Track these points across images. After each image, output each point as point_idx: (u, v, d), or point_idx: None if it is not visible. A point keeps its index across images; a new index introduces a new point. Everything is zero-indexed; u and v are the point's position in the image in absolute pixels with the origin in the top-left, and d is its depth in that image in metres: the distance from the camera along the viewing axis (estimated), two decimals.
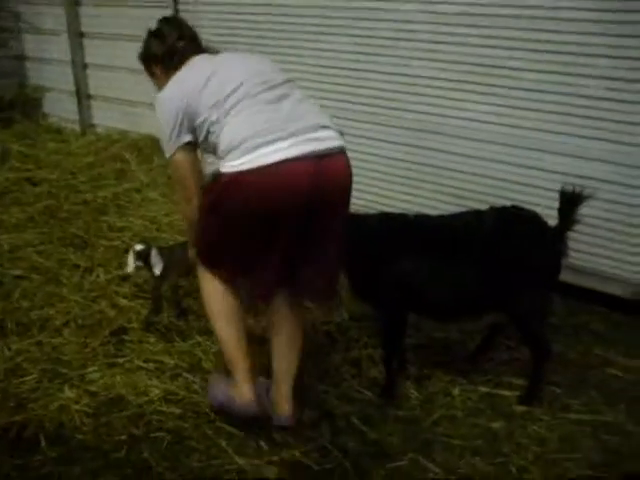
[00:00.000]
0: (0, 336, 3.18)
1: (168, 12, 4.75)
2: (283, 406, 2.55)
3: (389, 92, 3.88)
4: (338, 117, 3.75)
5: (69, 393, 2.79)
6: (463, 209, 2.95)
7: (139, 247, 3.16)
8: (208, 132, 2.42)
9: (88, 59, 6.09)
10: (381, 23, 3.79)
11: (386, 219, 2.87)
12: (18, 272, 3.74)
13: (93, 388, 2.83)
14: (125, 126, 5.79)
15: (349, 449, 2.49)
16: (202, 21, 4.49)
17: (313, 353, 3.02)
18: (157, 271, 3.15)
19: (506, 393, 2.79)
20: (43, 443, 2.53)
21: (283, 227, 2.33)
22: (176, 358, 3.03)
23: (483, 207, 2.80)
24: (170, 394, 2.80)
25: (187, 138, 2.47)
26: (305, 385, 2.80)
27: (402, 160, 3.91)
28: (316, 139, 2.33)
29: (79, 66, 6.11)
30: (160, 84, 2.66)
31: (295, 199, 2.29)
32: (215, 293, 2.52)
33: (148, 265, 3.15)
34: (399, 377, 2.85)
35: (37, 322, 3.30)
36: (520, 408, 2.70)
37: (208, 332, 3.15)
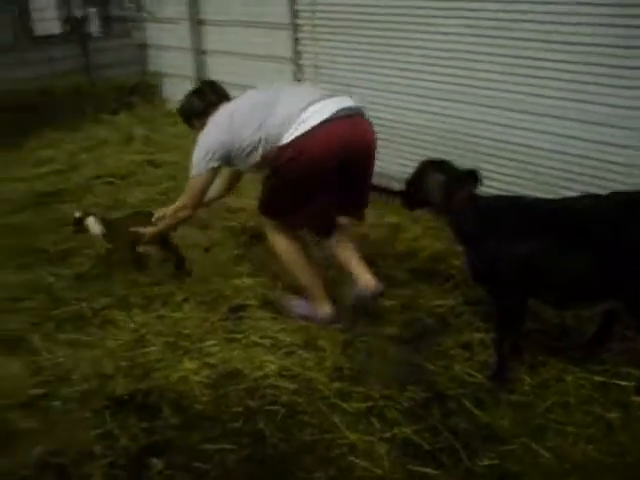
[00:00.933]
0: (126, 309, 3.38)
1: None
2: (365, 276, 3.16)
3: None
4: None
5: (189, 365, 2.93)
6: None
7: (77, 214, 3.65)
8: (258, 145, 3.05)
9: (207, 46, 6.27)
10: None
11: (505, 202, 2.85)
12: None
13: (212, 361, 2.96)
14: None
15: (459, 430, 2.50)
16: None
17: (425, 334, 3.06)
18: (98, 235, 3.64)
19: (623, 383, 2.71)
20: (165, 410, 2.68)
21: (332, 175, 3.00)
22: (291, 335, 3.11)
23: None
24: (285, 370, 2.89)
25: (216, 164, 3.17)
26: (415, 364, 2.84)
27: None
28: (342, 101, 3.04)
29: (198, 53, 6.31)
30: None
31: (337, 150, 2.96)
32: (286, 244, 3.17)
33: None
34: (512, 362, 2.82)
35: (159, 297, 3.48)
36: (638, 399, 2.62)
37: None
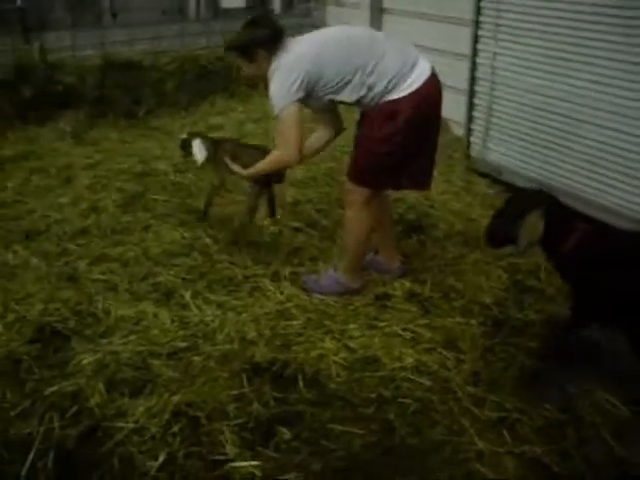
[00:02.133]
0: (276, 280, 3.48)
1: None
2: (396, 259, 3.52)
3: None
4: None
5: (329, 344, 2.99)
6: None
7: (183, 136, 3.61)
8: (360, 83, 2.96)
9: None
10: None
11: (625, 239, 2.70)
12: (296, 224, 4.03)
13: (352, 344, 3.00)
14: None
15: (593, 460, 2.41)
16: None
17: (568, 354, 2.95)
18: (199, 159, 3.52)
19: None
20: (300, 384, 2.76)
21: (433, 128, 3.15)
22: (433, 332, 3.10)
23: None
24: (422, 365, 2.88)
25: (300, 95, 2.98)
26: (552, 384, 2.76)
27: None
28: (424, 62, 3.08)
29: None
30: (262, 68, 3.12)
31: (438, 105, 3.12)
32: (367, 223, 3.20)
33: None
34: None
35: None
36: None
37: (467, 313, 3.21)
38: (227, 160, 3.48)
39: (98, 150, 5.34)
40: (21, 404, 2.70)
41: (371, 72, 2.96)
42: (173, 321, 3.16)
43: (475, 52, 4.83)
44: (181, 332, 3.08)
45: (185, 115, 6.17)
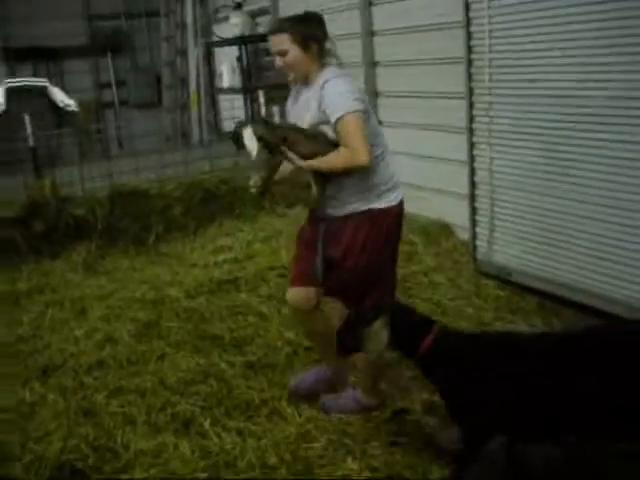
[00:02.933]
0: (293, 402, 3.46)
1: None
2: None
3: None
4: None
5: (352, 465, 2.94)
6: None
7: (233, 127, 3.18)
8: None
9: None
10: None
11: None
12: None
13: (375, 463, 2.95)
14: (413, 210, 6.02)
15: None
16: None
17: None
18: (252, 153, 3.02)
19: None
20: None
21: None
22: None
23: None
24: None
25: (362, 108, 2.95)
26: None
27: None
28: None
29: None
30: (307, 63, 3.05)
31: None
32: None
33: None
34: None
35: None
36: None
37: None
38: (284, 148, 3.04)
39: (110, 280, 5.42)
40: None
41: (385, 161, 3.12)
42: (193, 451, 3.12)
43: (472, 158, 4.97)
44: (202, 462, 3.05)
45: (194, 239, 6.28)
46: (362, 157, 2.86)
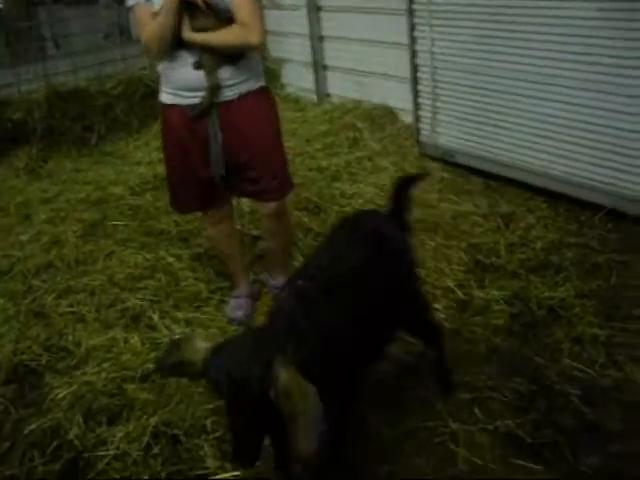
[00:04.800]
0: None
1: None
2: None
3: None
4: None
5: None
6: None
7: None
8: None
9: (324, 32, 6.34)
10: None
11: None
12: (256, 232, 4.06)
13: None
14: (358, 96, 5.98)
15: (564, 427, 2.47)
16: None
17: (534, 326, 3.02)
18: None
19: None
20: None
21: None
22: None
23: None
24: (390, 356, 2.90)
25: None
26: (522, 356, 2.82)
27: None
28: None
29: (316, 38, 6.38)
30: None
31: None
32: None
33: None
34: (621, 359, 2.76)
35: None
36: None
37: (431, 298, 3.25)
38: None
39: (54, 182, 5.33)
40: (1, 446, 2.73)
41: None
42: (144, 344, 3.18)
43: (413, 40, 4.89)
44: (152, 354, 3.11)
45: (137, 137, 6.16)
46: (256, 36, 2.80)
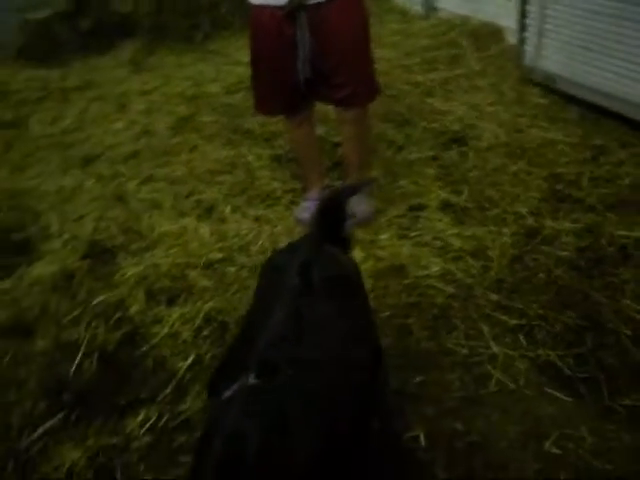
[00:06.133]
0: None
1: None
2: None
3: None
4: None
5: (358, 253, 3.05)
6: None
7: None
8: None
9: None
10: None
11: None
12: (337, 139, 4.04)
13: (380, 253, 3.06)
14: (467, 12, 5.76)
15: (608, 365, 2.41)
16: None
17: (601, 262, 2.93)
18: None
19: None
20: None
21: None
22: (463, 241, 3.11)
23: None
24: (448, 273, 2.92)
25: None
26: (580, 290, 2.76)
27: None
28: None
29: None
30: None
31: None
32: None
33: None
34: None
35: None
36: None
37: (501, 223, 3.21)
38: None
39: (155, 76, 5.48)
40: (72, 313, 2.94)
41: None
42: (212, 235, 3.31)
43: None
44: (218, 245, 3.23)
45: (240, 37, 6.18)
46: None
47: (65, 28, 5.82)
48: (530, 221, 3.23)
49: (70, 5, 5.84)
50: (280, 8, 2.89)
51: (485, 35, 5.36)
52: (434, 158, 3.85)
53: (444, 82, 4.85)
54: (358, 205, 3.28)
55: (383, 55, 5.42)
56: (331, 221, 2.03)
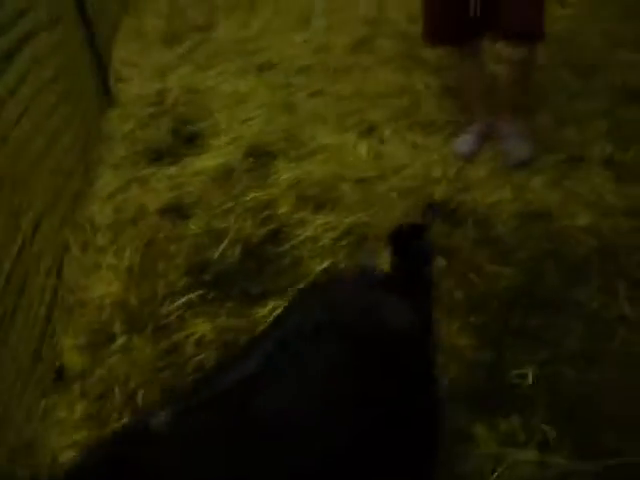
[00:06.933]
0: None
1: None
2: None
3: None
4: None
5: (508, 194, 2.98)
6: None
7: None
8: None
9: None
10: None
11: None
12: None
13: (530, 197, 2.96)
14: None
15: None
16: None
17: None
18: None
19: None
20: (468, 222, 2.83)
21: None
22: (618, 198, 2.91)
23: None
24: (595, 227, 2.76)
25: None
26: None
27: None
28: None
29: None
30: None
31: None
32: None
33: None
34: None
35: None
36: None
37: None
38: None
39: None
40: (225, 204, 3.12)
41: None
42: (369, 153, 3.35)
43: None
44: (373, 163, 3.27)
45: None
46: None
47: None
48: None
49: None
50: None
51: None
52: (608, 112, 3.64)
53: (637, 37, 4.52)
54: (515, 147, 3.20)
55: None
56: (403, 265, 1.57)
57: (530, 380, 2.12)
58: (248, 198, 3.13)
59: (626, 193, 2.99)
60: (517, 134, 3.26)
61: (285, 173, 3.26)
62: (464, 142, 3.36)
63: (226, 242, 2.87)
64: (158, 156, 3.59)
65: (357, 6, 5.20)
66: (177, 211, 3.12)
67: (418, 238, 1.57)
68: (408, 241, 1.57)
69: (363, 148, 3.39)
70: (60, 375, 2.37)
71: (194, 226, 3.00)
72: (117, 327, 2.52)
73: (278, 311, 2.45)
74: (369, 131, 3.55)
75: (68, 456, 2.02)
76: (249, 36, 4.86)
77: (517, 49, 3.04)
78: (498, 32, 3.08)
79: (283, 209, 3.02)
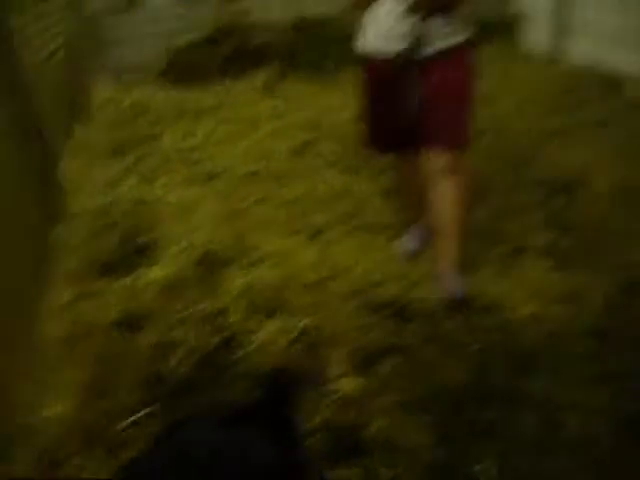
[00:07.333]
0: None
1: None
2: None
3: None
4: None
5: None
6: None
7: None
8: None
9: None
10: None
11: None
12: None
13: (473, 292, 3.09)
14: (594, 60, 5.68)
15: None
16: None
17: None
18: None
19: None
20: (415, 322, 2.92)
21: None
22: (561, 286, 3.08)
23: None
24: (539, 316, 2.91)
25: None
26: None
27: None
28: None
29: None
30: None
31: None
32: None
33: None
34: None
35: None
36: None
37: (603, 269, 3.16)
38: None
39: (284, 102, 5.74)
40: (179, 314, 3.14)
41: None
42: (317, 256, 3.45)
43: None
44: (322, 266, 3.37)
45: None
46: None
47: (206, 54, 6.22)
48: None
49: (215, 31, 6.24)
50: (395, 55, 2.93)
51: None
52: (542, 203, 3.83)
53: (563, 130, 4.82)
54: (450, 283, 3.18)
55: (501, 100, 5.45)
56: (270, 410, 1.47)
57: (489, 475, 2.17)
58: (201, 307, 3.16)
59: (566, 280, 3.14)
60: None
61: (236, 280, 3.32)
62: (408, 241, 3.49)
63: (180, 353, 2.87)
64: (109, 268, 3.60)
65: (302, 109, 5.43)
66: (128, 324, 3.12)
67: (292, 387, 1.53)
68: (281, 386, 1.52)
69: (311, 251, 3.48)
70: None
71: (146, 339, 3.00)
72: (70, 447, 2.48)
73: None
74: (316, 234, 3.65)
75: None
76: (194, 145, 5.00)
77: (438, 158, 3.06)
78: (424, 143, 3.12)
79: (235, 317, 3.06)
